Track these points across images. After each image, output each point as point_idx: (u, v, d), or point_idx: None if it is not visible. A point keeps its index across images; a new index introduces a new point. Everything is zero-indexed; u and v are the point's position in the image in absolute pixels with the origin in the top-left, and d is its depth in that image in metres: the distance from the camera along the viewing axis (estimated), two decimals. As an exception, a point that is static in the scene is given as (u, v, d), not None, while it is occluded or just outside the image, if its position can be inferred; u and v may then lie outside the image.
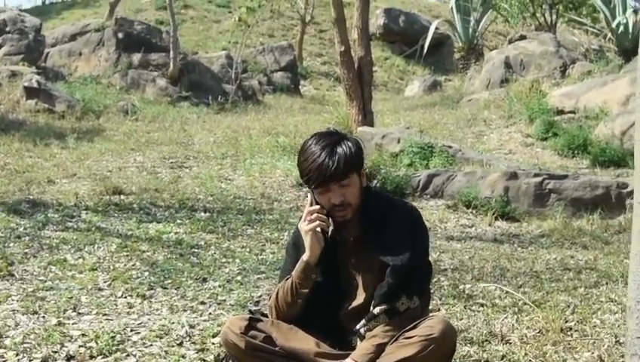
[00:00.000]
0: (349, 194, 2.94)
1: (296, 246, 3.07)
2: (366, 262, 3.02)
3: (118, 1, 22.01)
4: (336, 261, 3.05)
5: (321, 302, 3.02)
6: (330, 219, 2.99)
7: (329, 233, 2.98)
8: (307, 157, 2.93)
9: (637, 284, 2.57)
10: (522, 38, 16.28)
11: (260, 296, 4.52)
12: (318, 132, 3.05)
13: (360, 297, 3.03)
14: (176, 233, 6.01)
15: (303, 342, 2.98)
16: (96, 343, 3.61)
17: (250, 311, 3.19)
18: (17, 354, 3.46)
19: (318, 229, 2.94)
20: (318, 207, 2.95)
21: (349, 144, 2.93)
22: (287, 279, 3.03)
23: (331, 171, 2.87)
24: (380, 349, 2.88)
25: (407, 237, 2.97)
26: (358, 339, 2.98)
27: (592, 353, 3.67)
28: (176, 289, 4.66)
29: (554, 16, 18.69)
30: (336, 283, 3.05)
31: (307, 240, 2.96)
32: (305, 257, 2.97)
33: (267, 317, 3.11)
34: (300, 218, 3.00)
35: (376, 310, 2.93)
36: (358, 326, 2.98)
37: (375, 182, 7.58)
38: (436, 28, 20.26)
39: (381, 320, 2.93)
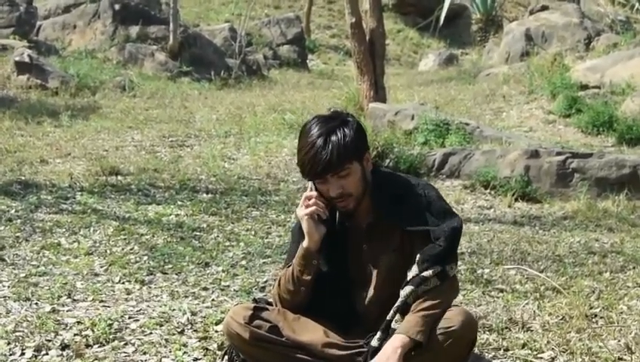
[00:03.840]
0: (349, 185, 2.88)
1: (301, 231, 3.02)
2: (380, 249, 2.99)
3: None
4: (345, 248, 3.02)
5: (330, 291, 3.00)
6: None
7: (325, 218, 2.93)
8: (301, 147, 2.88)
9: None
10: (544, 8, 16.22)
11: (266, 282, 4.51)
12: (318, 115, 2.99)
13: (375, 285, 3.00)
14: (176, 215, 6.01)
15: (310, 331, 2.97)
16: (93, 331, 3.61)
17: (255, 300, 3.18)
18: (9, 343, 3.46)
19: (315, 215, 2.91)
20: (315, 193, 2.92)
21: (346, 131, 2.84)
22: (289, 267, 3.01)
23: (324, 164, 2.81)
24: (430, 322, 2.78)
25: (431, 209, 2.92)
26: (380, 332, 2.85)
27: (619, 340, 3.65)
28: (177, 274, 4.66)
29: (578, -15, 18.62)
30: (346, 272, 3.02)
31: (304, 226, 2.93)
32: (304, 244, 2.94)
33: (272, 305, 3.10)
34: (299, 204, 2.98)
35: (428, 273, 2.82)
36: (389, 316, 2.86)
37: (387, 161, 7.55)
38: (452, -2, 20.19)
39: (431, 284, 2.83)
